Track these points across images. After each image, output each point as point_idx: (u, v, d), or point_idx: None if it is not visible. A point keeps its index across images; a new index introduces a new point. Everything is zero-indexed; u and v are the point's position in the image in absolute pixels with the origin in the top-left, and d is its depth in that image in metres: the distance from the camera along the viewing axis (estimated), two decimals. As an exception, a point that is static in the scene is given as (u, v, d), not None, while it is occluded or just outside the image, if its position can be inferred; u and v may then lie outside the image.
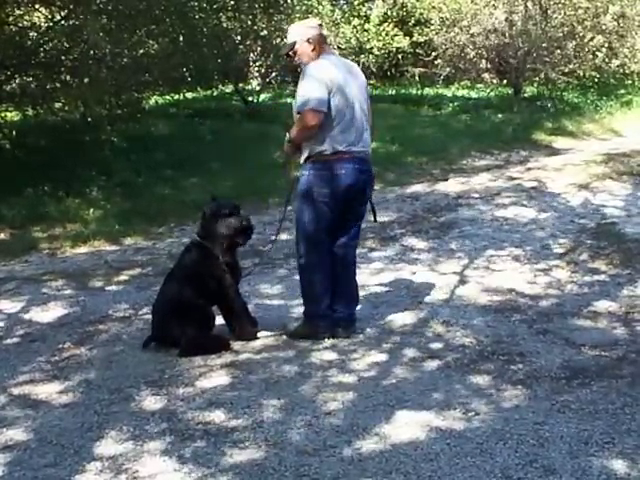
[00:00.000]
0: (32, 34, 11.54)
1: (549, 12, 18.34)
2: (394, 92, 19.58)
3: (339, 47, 19.17)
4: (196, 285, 5.48)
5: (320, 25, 5.73)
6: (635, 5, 18.60)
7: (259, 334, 5.72)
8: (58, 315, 6.36)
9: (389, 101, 18.18)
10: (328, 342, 5.51)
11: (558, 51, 18.82)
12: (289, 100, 13.89)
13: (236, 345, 5.52)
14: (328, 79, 5.38)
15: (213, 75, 15.80)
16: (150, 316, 5.71)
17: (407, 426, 4.23)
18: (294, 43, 5.53)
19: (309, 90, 5.35)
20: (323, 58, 5.54)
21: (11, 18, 11.54)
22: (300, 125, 5.44)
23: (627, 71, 19.47)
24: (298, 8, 16.20)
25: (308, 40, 5.51)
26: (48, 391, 4.87)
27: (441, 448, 3.98)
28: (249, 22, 14.70)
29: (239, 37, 15.42)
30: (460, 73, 20.78)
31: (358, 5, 20.22)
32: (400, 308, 6.24)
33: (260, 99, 17.16)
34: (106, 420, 4.43)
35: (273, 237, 6.48)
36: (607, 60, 18.77)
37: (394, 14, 21.20)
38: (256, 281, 7.04)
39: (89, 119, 11.39)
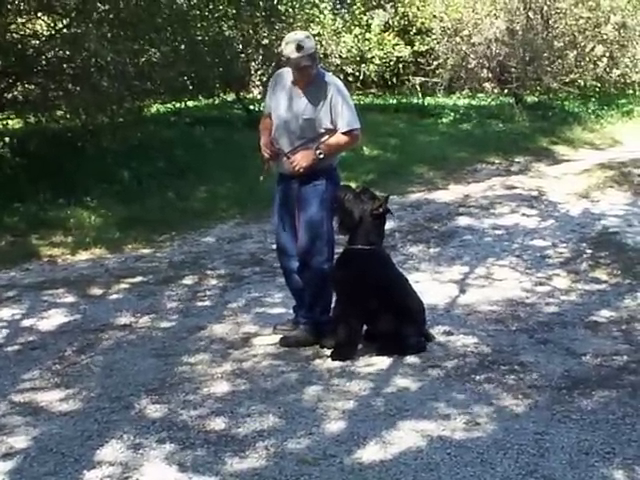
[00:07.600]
0: (34, 42, 11.53)
1: (550, 22, 18.34)
2: (395, 101, 19.54)
3: (340, 56, 19.17)
4: None
5: None
6: (636, 15, 18.55)
7: (259, 341, 5.74)
8: (59, 323, 6.36)
9: (390, 110, 18.14)
10: (329, 351, 5.51)
11: (559, 61, 18.81)
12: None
13: (237, 353, 5.54)
14: None
15: (214, 83, 15.76)
16: (151, 324, 5.70)
17: (408, 435, 4.24)
18: (314, 55, 5.35)
19: (353, 109, 5.44)
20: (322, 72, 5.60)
21: (13, 26, 11.52)
22: (351, 143, 5.57)
23: (628, 81, 19.45)
24: (299, 17, 16.15)
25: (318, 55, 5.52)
26: (49, 399, 4.87)
27: (441, 458, 3.99)
28: (250, 31, 14.68)
29: (240, 46, 15.40)
30: (461, 82, 20.76)
31: (359, 14, 20.20)
32: (401, 317, 6.21)
33: (262, 108, 17.12)
34: (106, 428, 4.43)
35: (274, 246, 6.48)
36: (608, 70, 18.77)
37: (395, 23, 21.20)
38: (257, 289, 7.05)
39: (90, 127, 11.38)
